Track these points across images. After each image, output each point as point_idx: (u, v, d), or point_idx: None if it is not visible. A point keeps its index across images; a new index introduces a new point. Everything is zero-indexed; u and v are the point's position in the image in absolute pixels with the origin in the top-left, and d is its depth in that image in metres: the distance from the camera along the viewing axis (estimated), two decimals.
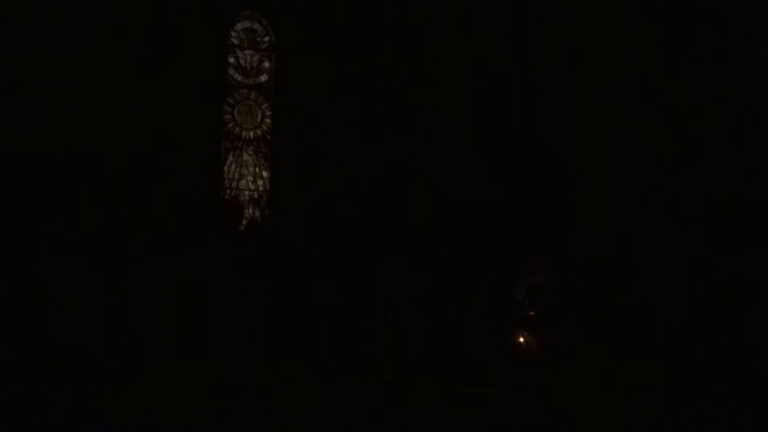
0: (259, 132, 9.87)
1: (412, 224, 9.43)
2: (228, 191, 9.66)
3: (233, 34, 9.87)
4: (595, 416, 6.54)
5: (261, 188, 9.78)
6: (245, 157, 9.79)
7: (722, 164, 8.42)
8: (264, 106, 9.91)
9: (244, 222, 9.58)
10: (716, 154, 8.50)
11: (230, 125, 9.75)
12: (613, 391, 7.36)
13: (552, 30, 9.88)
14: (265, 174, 9.79)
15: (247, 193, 9.73)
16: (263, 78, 9.95)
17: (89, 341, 7.90)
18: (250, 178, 9.75)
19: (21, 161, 8.05)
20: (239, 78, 9.86)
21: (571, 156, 9.56)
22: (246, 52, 9.90)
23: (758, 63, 8.37)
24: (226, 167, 9.67)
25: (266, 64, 9.97)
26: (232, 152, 9.74)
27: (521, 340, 8.58)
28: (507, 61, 10.08)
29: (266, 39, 10.01)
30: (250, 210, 9.70)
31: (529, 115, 9.88)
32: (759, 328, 7.61)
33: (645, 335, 8.18)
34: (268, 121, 9.89)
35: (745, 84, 8.41)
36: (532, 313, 8.78)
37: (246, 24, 9.94)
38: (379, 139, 9.55)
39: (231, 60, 9.82)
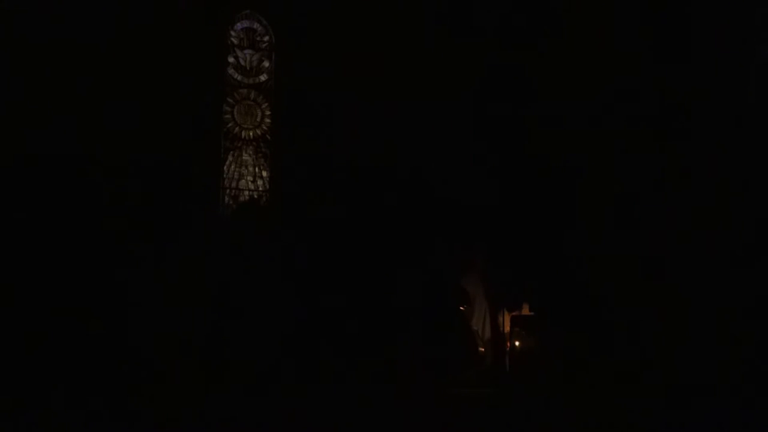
0: (258, 132, 9.88)
1: (413, 224, 9.43)
2: (228, 191, 9.67)
3: (233, 33, 9.88)
4: (592, 416, 6.55)
5: (261, 188, 9.79)
6: (245, 157, 9.80)
7: (722, 164, 8.41)
8: (264, 106, 9.92)
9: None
10: (716, 153, 8.49)
11: (230, 125, 9.76)
12: (610, 391, 7.37)
13: (552, 28, 9.87)
14: (265, 174, 9.81)
15: (246, 193, 9.74)
16: (263, 78, 9.96)
17: (96, 345, 7.93)
18: (249, 178, 9.76)
19: (19, 162, 8.07)
20: (239, 78, 9.87)
21: (570, 156, 9.55)
22: (246, 51, 9.91)
23: (758, 63, 8.36)
24: (225, 167, 9.68)
25: (266, 64, 9.97)
26: (231, 152, 9.75)
27: (517, 343, 8.60)
28: (506, 59, 10.08)
29: (266, 39, 10.01)
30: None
31: (529, 116, 9.87)
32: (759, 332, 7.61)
33: (641, 336, 8.19)
34: (267, 120, 9.90)
35: (745, 84, 8.40)
36: (531, 313, 8.81)
37: (246, 24, 9.94)
38: (379, 139, 9.55)
39: (231, 60, 9.82)
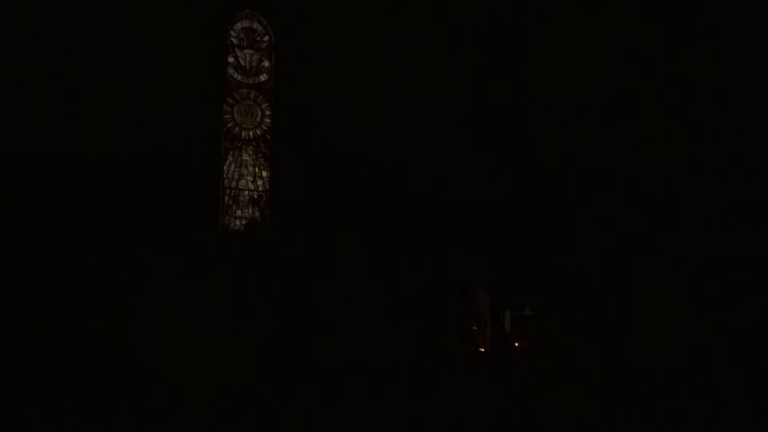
0: (258, 132, 9.87)
1: (413, 224, 9.43)
2: (228, 191, 9.67)
3: (233, 33, 9.87)
4: (590, 416, 6.57)
5: (261, 188, 9.78)
6: (245, 156, 9.79)
7: (723, 164, 8.42)
8: (263, 106, 9.90)
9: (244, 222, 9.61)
10: (717, 153, 8.49)
11: (230, 125, 9.75)
12: (607, 391, 7.39)
13: (554, 29, 9.87)
14: (264, 174, 9.80)
15: (246, 193, 9.74)
16: (263, 78, 9.95)
17: (96, 345, 7.94)
18: (249, 178, 9.75)
19: (20, 162, 8.09)
20: (239, 77, 9.85)
21: (571, 156, 9.56)
22: (246, 51, 9.90)
23: (758, 63, 8.36)
24: (225, 167, 9.67)
25: (266, 64, 9.96)
26: (231, 152, 9.74)
27: (516, 343, 8.62)
28: (508, 59, 10.08)
29: (266, 39, 10.00)
30: (250, 210, 9.71)
31: (531, 116, 9.87)
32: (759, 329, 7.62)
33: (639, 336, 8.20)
34: (267, 120, 9.89)
35: (745, 84, 8.41)
36: (531, 313, 8.82)
37: (246, 23, 9.93)
38: (378, 139, 9.54)
39: (231, 60, 9.81)
